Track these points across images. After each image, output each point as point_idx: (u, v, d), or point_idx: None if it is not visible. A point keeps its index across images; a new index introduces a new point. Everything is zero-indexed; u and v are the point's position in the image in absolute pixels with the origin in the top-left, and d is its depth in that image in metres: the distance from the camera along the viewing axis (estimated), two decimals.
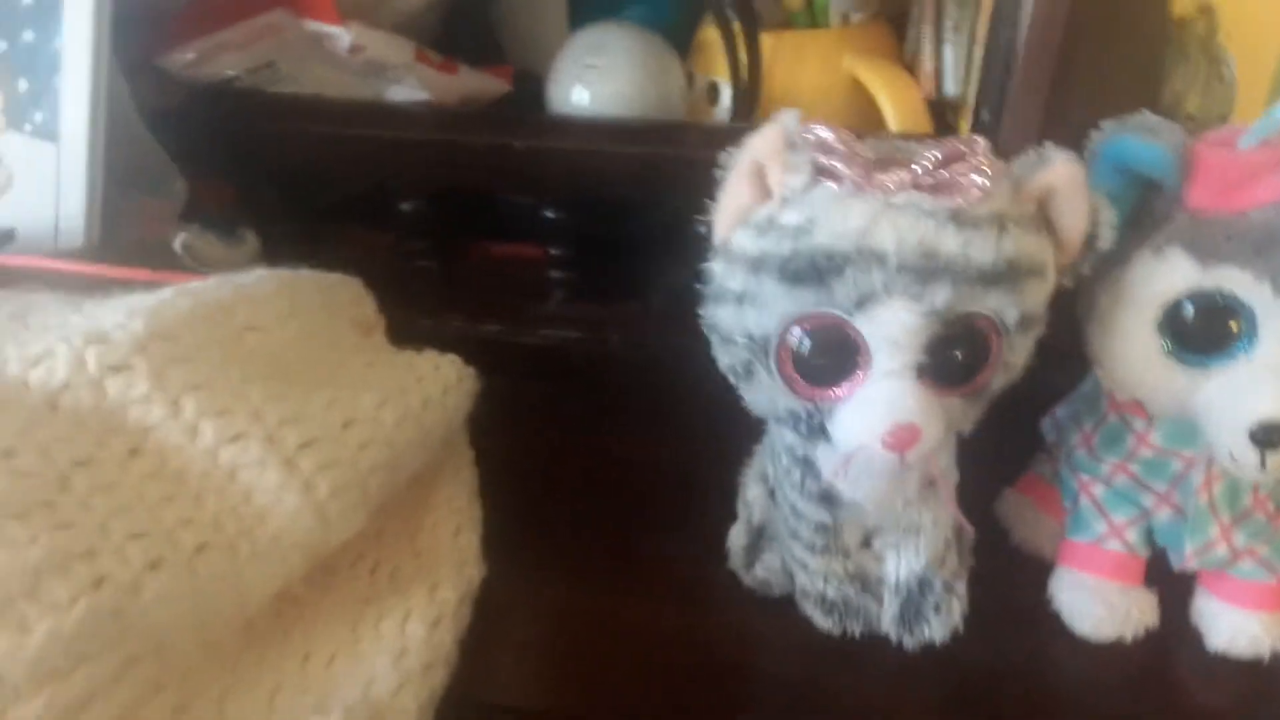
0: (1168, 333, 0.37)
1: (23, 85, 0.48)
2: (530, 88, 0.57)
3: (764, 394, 0.36)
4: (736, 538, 0.45)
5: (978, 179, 0.32)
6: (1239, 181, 0.35)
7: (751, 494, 0.44)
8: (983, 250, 0.32)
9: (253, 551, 0.33)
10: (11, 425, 0.31)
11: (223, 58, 0.53)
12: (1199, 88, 0.54)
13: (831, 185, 0.33)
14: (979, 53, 0.50)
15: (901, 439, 0.33)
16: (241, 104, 0.54)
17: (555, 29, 0.58)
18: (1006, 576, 0.45)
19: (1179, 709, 0.42)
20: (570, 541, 0.47)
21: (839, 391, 0.34)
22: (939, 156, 0.32)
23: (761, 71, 0.54)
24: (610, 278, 0.58)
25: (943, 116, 0.54)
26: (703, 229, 0.36)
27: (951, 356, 0.34)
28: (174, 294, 0.36)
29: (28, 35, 0.47)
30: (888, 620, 0.42)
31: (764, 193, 0.34)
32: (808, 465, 0.40)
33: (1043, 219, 0.34)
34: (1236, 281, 0.35)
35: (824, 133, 0.33)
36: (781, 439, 0.40)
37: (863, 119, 0.54)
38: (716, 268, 0.36)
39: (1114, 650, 0.43)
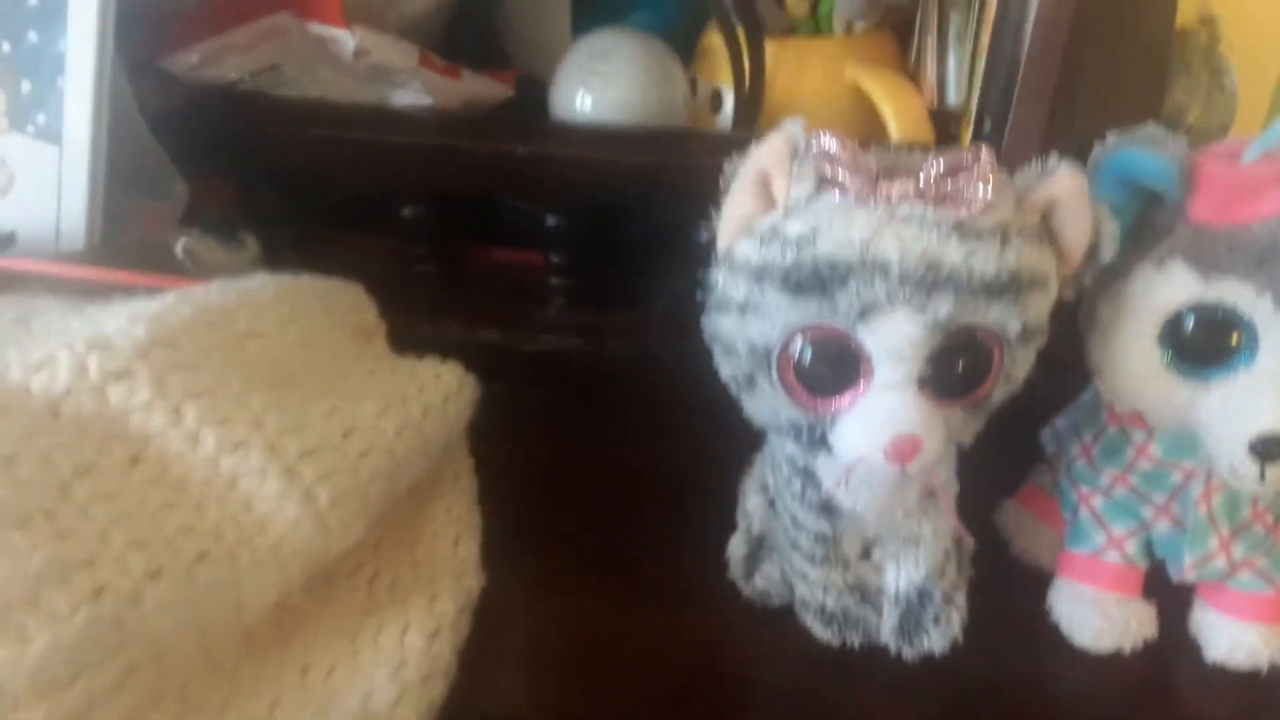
0: (1168, 345, 0.37)
1: (26, 87, 0.48)
2: (533, 93, 0.56)
3: (766, 404, 0.36)
4: (736, 548, 0.45)
5: (981, 190, 0.32)
6: (1241, 195, 0.35)
7: (751, 504, 0.44)
8: (986, 262, 0.32)
9: (253, 560, 0.33)
10: (13, 432, 0.31)
11: (227, 60, 0.53)
12: (1200, 98, 0.54)
13: (835, 195, 0.33)
14: (982, 62, 0.50)
15: (903, 450, 0.33)
16: (244, 107, 0.54)
17: (559, 34, 0.58)
18: (1006, 587, 0.45)
19: None
20: (569, 550, 0.47)
21: (841, 402, 0.34)
22: (943, 167, 0.32)
23: (765, 79, 0.54)
24: (611, 284, 0.58)
25: (945, 126, 0.54)
26: (704, 236, 0.36)
27: (953, 368, 0.34)
28: (176, 300, 0.36)
29: (32, 36, 0.47)
30: (887, 631, 0.42)
31: (768, 202, 0.34)
32: (808, 475, 0.40)
33: (1045, 230, 0.34)
34: (1238, 294, 0.35)
35: (828, 143, 0.33)
36: (782, 449, 0.40)
37: (865, 128, 0.54)
38: (719, 277, 0.36)
39: (1113, 661, 0.43)
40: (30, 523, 0.29)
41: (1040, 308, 0.34)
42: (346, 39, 0.51)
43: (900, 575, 0.42)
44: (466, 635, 0.40)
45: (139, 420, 0.33)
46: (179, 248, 0.49)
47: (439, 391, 0.42)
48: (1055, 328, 0.36)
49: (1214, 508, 0.41)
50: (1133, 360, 0.38)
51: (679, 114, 0.54)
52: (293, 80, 0.55)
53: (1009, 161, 0.34)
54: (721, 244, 0.35)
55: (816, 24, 0.56)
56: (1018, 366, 0.35)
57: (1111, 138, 0.38)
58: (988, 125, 0.49)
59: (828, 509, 0.40)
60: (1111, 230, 0.35)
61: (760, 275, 0.33)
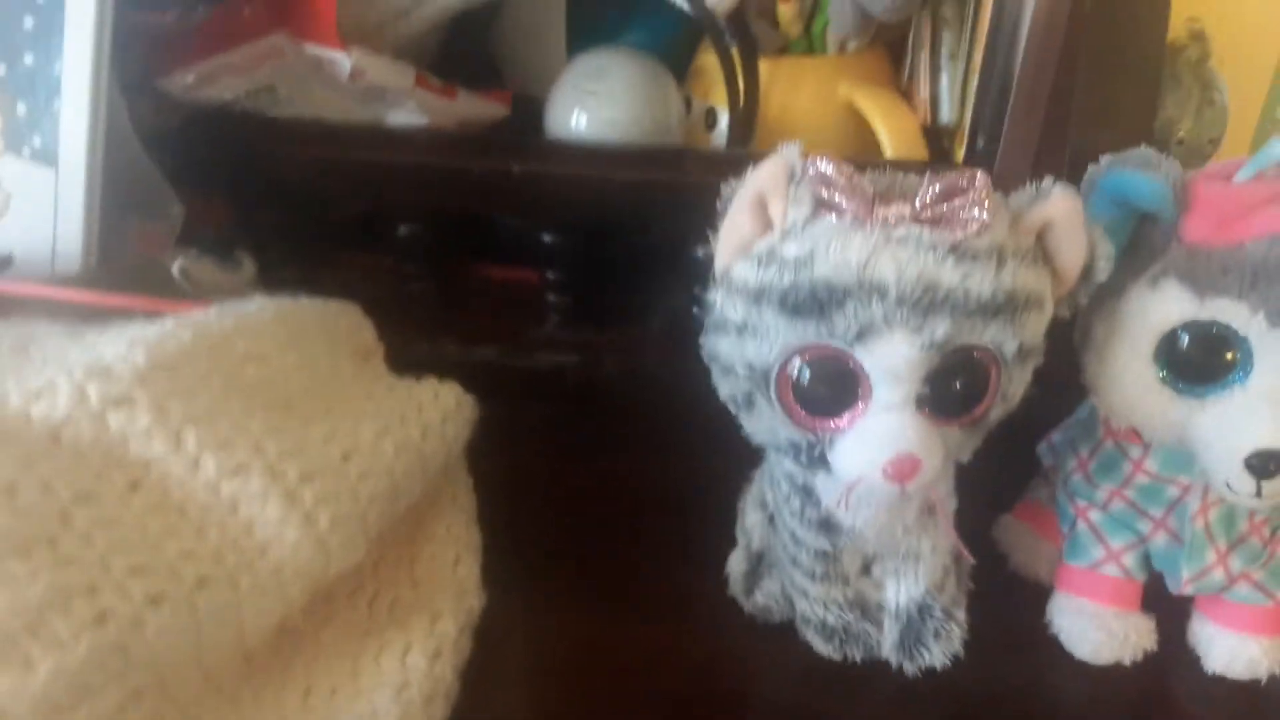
0: (1164, 362, 0.37)
1: (21, 109, 0.48)
2: (529, 112, 0.57)
3: (764, 424, 0.36)
4: (736, 564, 0.45)
5: (977, 213, 0.32)
6: (1235, 215, 0.36)
7: (750, 520, 0.44)
8: (982, 283, 0.32)
9: (254, 584, 0.33)
10: (13, 460, 0.31)
11: (223, 80, 0.53)
12: (1191, 112, 0.55)
13: (832, 218, 0.33)
14: (975, 80, 0.50)
15: (902, 470, 0.34)
16: (240, 127, 0.54)
17: (554, 54, 0.58)
18: (1005, 601, 0.45)
19: None
20: (568, 567, 0.47)
21: (839, 422, 0.35)
22: (939, 190, 0.32)
23: (759, 97, 0.54)
24: (607, 302, 0.59)
25: (938, 143, 0.54)
26: (701, 254, 0.37)
27: (951, 388, 0.34)
28: (174, 325, 0.36)
29: (27, 59, 0.47)
30: (888, 646, 0.42)
31: (765, 225, 0.34)
32: (807, 493, 0.40)
33: (1040, 251, 0.35)
34: (1232, 313, 0.35)
35: (825, 166, 0.33)
36: (780, 466, 0.41)
37: (859, 145, 0.54)
38: (717, 298, 0.36)
39: (1112, 673, 0.43)
40: (32, 550, 0.29)
41: (1036, 327, 0.35)
42: (343, 60, 0.51)
43: (900, 591, 0.42)
44: (467, 655, 0.40)
45: (139, 446, 0.33)
46: (176, 268, 0.49)
47: (437, 412, 0.42)
48: (1051, 345, 0.36)
49: (1211, 522, 0.41)
50: (1128, 378, 0.38)
51: (674, 132, 0.54)
52: (288, 100, 0.55)
53: (1003, 177, 0.35)
54: (719, 266, 0.36)
55: (810, 43, 0.56)
56: (1015, 385, 0.35)
57: (1105, 159, 0.39)
58: (981, 142, 0.50)
59: (827, 526, 0.40)
60: (1106, 251, 0.35)
61: (758, 297, 0.34)
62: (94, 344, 0.36)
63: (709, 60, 0.56)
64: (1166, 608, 0.44)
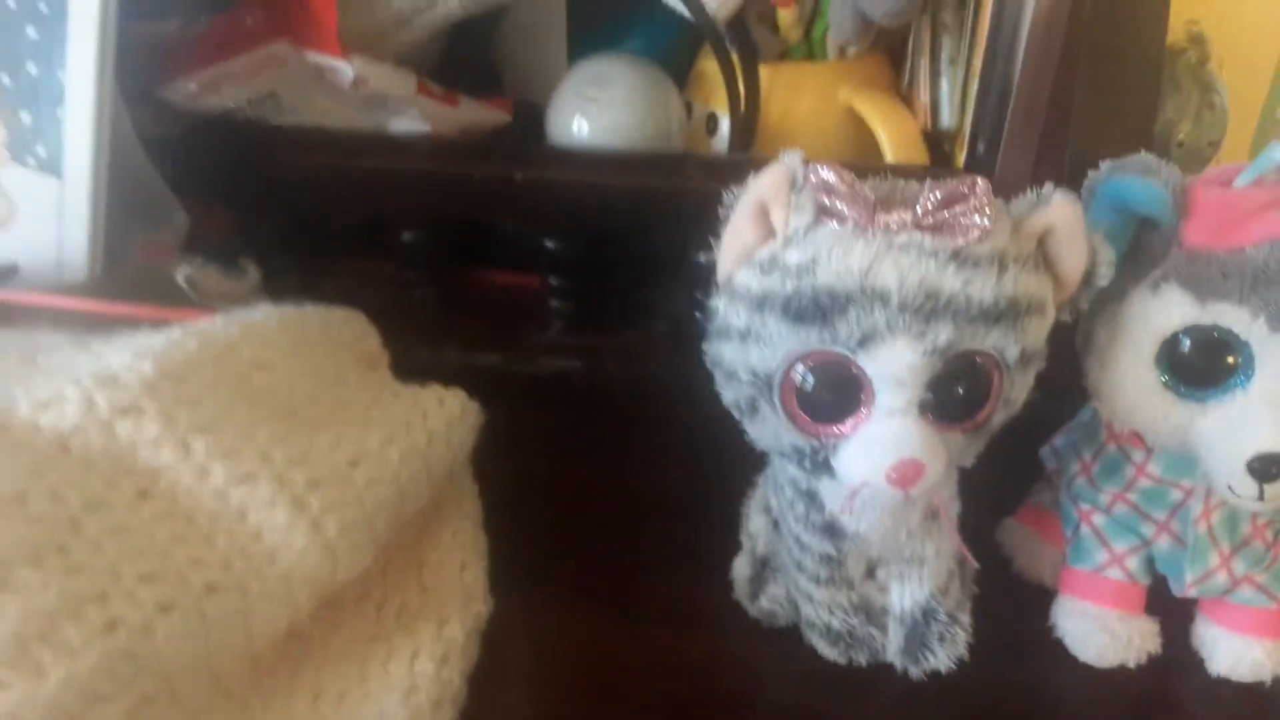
0: (1165, 367, 0.38)
1: (26, 119, 0.48)
2: (530, 119, 0.57)
3: (768, 429, 0.37)
4: (741, 569, 0.45)
5: (978, 219, 0.32)
6: (1235, 220, 0.36)
7: (755, 525, 0.45)
8: (983, 289, 0.32)
9: (262, 590, 0.33)
10: (23, 469, 0.31)
11: (225, 89, 0.54)
12: (1191, 115, 0.55)
13: (834, 225, 0.33)
14: (975, 85, 0.50)
15: (906, 475, 0.34)
16: (243, 134, 0.55)
17: (555, 61, 0.59)
18: (1009, 604, 0.45)
19: None
20: (573, 571, 0.47)
21: (843, 428, 0.35)
22: (940, 197, 0.33)
23: (759, 103, 0.55)
24: (609, 307, 0.59)
25: (939, 147, 0.55)
26: (703, 259, 0.37)
27: (954, 393, 0.34)
28: (182, 334, 0.36)
29: (31, 69, 0.47)
30: (893, 650, 0.43)
31: (767, 232, 0.34)
32: (811, 498, 0.40)
33: (1042, 257, 0.35)
34: (1233, 318, 0.36)
35: (826, 173, 0.33)
36: (784, 471, 0.41)
37: (859, 150, 0.55)
38: (720, 305, 0.36)
39: (1116, 676, 0.43)
40: (42, 559, 0.29)
41: (1038, 332, 0.35)
42: (345, 68, 0.51)
43: (905, 595, 0.42)
44: (475, 660, 0.41)
45: (147, 455, 0.33)
46: (180, 277, 0.49)
47: (442, 418, 0.42)
48: (1053, 349, 0.37)
49: (1214, 525, 0.41)
50: (1130, 382, 0.38)
51: (675, 138, 0.55)
52: (290, 108, 0.55)
53: (1003, 181, 0.35)
54: (721, 273, 0.36)
55: (810, 48, 0.56)
56: (1017, 390, 0.36)
57: (1105, 165, 0.39)
58: (981, 146, 0.50)
59: (831, 530, 0.40)
60: (1108, 257, 0.35)
61: (761, 304, 0.34)
62: (101, 353, 0.36)
63: (709, 66, 0.56)
64: (1170, 610, 0.44)
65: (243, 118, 0.55)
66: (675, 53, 0.58)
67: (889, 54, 0.58)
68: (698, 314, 0.38)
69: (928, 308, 0.32)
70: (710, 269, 0.36)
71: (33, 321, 0.42)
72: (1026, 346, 0.34)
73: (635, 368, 0.58)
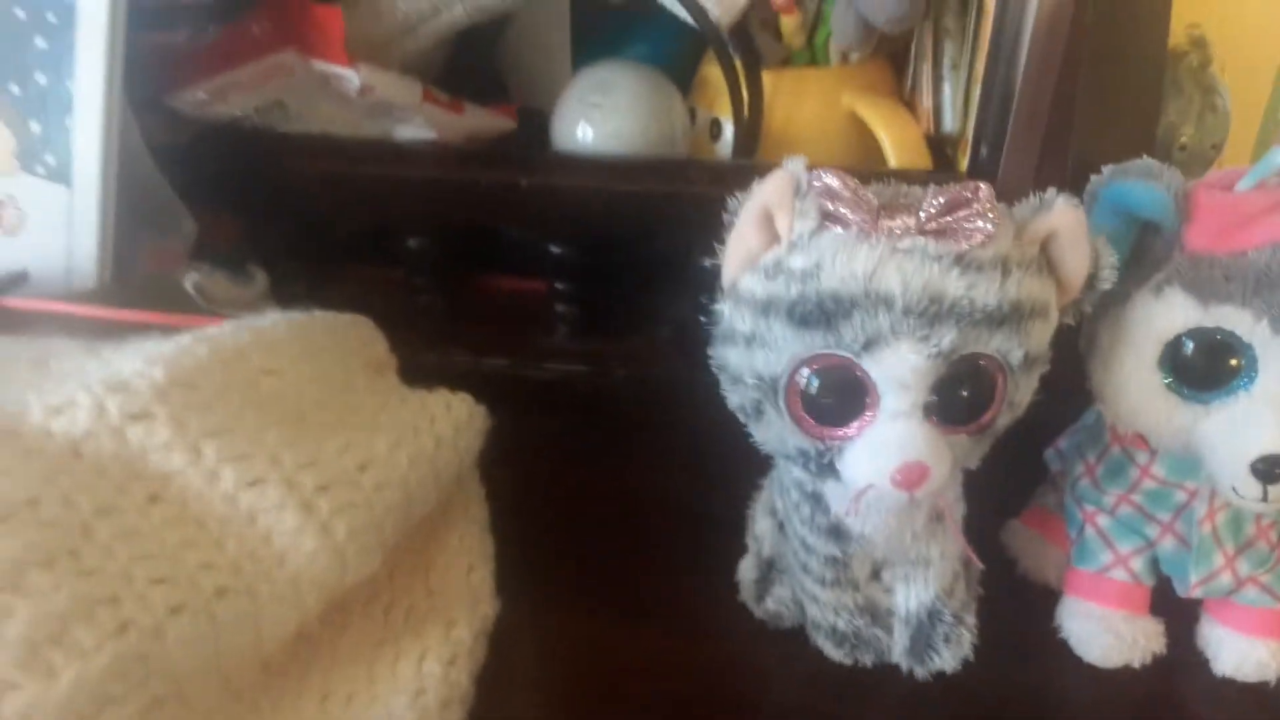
0: (1168, 369, 0.38)
1: (35, 128, 0.48)
2: (535, 125, 0.57)
3: (774, 433, 0.37)
4: (747, 571, 0.46)
5: (981, 224, 0.33)
6: (1237, 223, 0.36)
7: (760, 527, 0.45)
8: (987, 293, 0.33)
9: (272, 593, 0.34)
10: (35, 474, 0.31)
11: (233, 97, 0.54)
12: (1193, 118, 0.55)
13: (838, 230, 0.33)
14: (977, 89, 0.51)
15: (911, 478, 0.34)
16: (251, 143, 0.55)
17: (559, 67, 0.59)
18: (1014, 606, 0.45)
19: None
20: (579, 574, 0.47)
21: (848, 431, 0.35)
22: (943, 202, 0.33)
23: (763, 108, 0.55)
24: (615, 311, 0.59)
25: (942, 152, 0.55)
26: (708, 264, 0.37)
27: (958, 396, 0.34)
28: (192, 340, 0.37)
29: (40, 78, 0.48)
30: (899, 651, 0.43)
31: (772, 238, 0.34)
32: (816, 500, 0.40)
33: (1045, 261, 0.35)
34: (1236, 320, 0.36)
35: (830, 179, 0.33)
36: (790, 474, 0.41)
37: (863, 155, 0.55)
38: (725, 310, 0.36)
39: (1121, 676, 0.43)
40: (54, 562, 0.30)
41: (1042, 336, 0.35)
42: (351, 76, 0.52)
43: (910, 596, 0.42)
44: (482, 661, 0.41)
45: (158, 460, 0.33)
46: (189, 283, 0.50)
47: (450, 423, 0.42)
48: (1057, 352, 0.37)
49: (1218, 526, 0.42)
50: (1133, 384, 0.39)
51: (679, 144, 0.55)
52: (297, 116, 0.56)
53: (1006, 185, 0.35)
54: (726, 278, 0.36)
55: (813, 54, 0.57)
56: (1021, 393, 0.36)
57: (1107, 169, 0.39)
58: (984, 151, 0.50)
59: (837, 532, 0.40)
60: (1110, 261, 0.35)
61: (766, 309, 0.34)
62: (112, 359, 0.36)
63: (713, 72, 0.56)
64: (1175, 611, 0.44)
65: (250, 126, 0.55)
66: (679, 59, 0.59)
67: (891, 59, 0.59)
68: (703, 319, 0.38)
69: (932, 312, 0.32)
70: (715, 274, 0.37)
71: (43, 328, 0.42)
72: (1030, 350, 0.34)
73: (641, 372, 0.58)
